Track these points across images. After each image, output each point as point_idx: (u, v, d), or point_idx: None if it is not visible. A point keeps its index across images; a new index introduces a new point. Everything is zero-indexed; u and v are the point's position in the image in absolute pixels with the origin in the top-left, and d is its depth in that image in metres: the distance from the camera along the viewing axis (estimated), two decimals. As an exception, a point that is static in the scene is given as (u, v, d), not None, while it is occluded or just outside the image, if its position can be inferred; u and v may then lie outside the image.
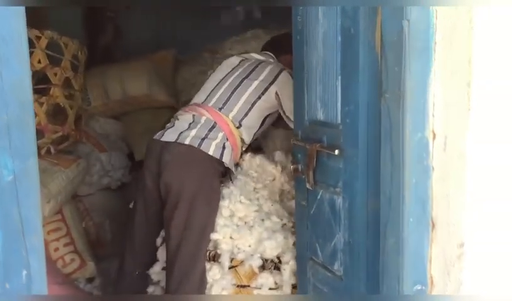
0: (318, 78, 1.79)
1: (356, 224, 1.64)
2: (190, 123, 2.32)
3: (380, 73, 1.49)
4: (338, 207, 1.72)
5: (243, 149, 2.44)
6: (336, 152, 1.66)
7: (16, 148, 0.94)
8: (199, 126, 2.30)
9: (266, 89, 2.39)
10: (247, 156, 2.48)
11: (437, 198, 1.44)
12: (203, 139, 2.25)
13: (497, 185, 1.42)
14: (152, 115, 3.97)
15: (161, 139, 2.30)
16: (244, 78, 2.42)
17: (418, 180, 1.42)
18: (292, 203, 2.28)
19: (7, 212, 0.95)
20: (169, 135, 2.29)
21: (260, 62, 2.52)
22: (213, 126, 2.30)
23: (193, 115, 2.35)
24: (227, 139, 2.30)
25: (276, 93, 2.39)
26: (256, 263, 2.17)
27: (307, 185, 1.85)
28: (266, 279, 2.18)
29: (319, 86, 1.79)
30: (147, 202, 2.37)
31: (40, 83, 3.20)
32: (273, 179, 2.43)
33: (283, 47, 2.60)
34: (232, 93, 2.38)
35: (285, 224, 2.27)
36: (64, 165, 3.24)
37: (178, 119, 2.39)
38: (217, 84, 2.45)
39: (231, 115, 2.34)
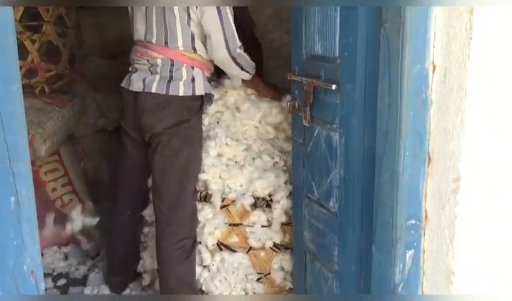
0: (316, 9, 1.73)
1: (352, 160, 1.63)
2: (149, 68, 2.20)
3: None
4: (334, 144, 1.70)
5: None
6: (333, 86, 1.62)
7: (-2, 73, 0.91)
8: (159, 69, 2.18)
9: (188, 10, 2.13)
10: (235, 92, 2.39)
11: (434, 132, 1.42)
12: (169, 82, 2.16)
13: (497, 119, 1.39)
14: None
15: (129, 88, 2.22)
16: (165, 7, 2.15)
17: (415, 113, 1.39)
18: (285, 142, 2.28)
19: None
20: (135, 84, 2.20)
21: None
22: (172, 65, 2.17)
23: (147, 60, 2.21)
24: (193, 68, 2.19)
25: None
26: (248, 201, 2.18)
27: (304, 122, 1.82)
28: (259, 217, 2.19)
29: (317, 18, 1.73)
30: (132, 148, 2.36)
31: (32, 19, 3.12)
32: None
33: None
34: (164, 24, 2.15)
35: (276, 162, 2.25)
36: (58, 105, 3.21)
37: (137, 64, 2.26)
38: (146, 16, 2.20)
39: (180, 45, 2.17)
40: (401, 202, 1.44)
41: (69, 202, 3.30)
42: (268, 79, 2.53)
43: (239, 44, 2.16)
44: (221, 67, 2.26)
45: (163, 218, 2.22)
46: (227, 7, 2.11)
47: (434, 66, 1.39)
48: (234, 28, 2.15)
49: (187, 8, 2.12)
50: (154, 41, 2.20)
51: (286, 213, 2.20)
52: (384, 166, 1.47)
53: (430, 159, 1.44)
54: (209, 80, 2.32)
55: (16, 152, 0.96)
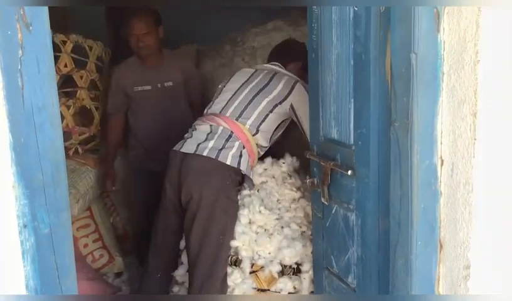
0: (332, 97, 1.85)
1: (368, 242, 1.72)
2: (208, 134, 2.41)
3: (390, 101, 1.55)
4: (351, 223, 1.80)
5: (261, 154, 2.53)
6: (349, 172, 1.73)
7: (50, 204, 1.05)
8: (216, 136, 2.39)
9: (281, 103, 2.48)
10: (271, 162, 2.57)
11: (444, 221, 1.51)
12: (220, 150, 2.35)
13: (503, 209, 1.48)
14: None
15: (181, 150, 2.40)
16: (259, 90, 2.51)
17: (426, 204, 1.49)
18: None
19: (44, 260, 1.06)
20: (188, 146, 2.40)
21: (275, 73, 2.58)
22: (230, 136, 2.40)
23: (210, 125, 2.44)
24: (243, 147, 2.40)
25: (291, 106, 2.48)
26: (276, 268, 2.28)
27: (322, 200, 1.93)
28: (285, 284, 2.29)
29: (333, 105, 1.86)
30: (169, 210, 2.49)
31: (66, 85, 3.32)
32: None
33: (291, 55, 2.70)
34: (248, 104, 2.47)
35: (304, 231, 2.36)
36: (91, 164, 3.38)
37: (196, 129, 2.49)
38: (233, 95, 2.53)
39: (248, 124, 2.43)
40: (415, 287, 1.53)
41: (99, 257, 3.44)
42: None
43: None
44: None
45: (197, 284, 2.32)
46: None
47: (442, 161, 1.49)
48: None
49: (278, 104, 2.47)
50: (227, 114, 2.46)
51: (313, 282, 2.30)
52: (398, 253, 1.56)
53: (441, 246, 1.53)
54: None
55: (65, 271, 1.09)
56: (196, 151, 2.35)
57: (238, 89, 2.55)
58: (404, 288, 1.55)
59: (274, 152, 2.63)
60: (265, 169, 2.55)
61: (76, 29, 3.54)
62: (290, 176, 2.55)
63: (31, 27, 1.03)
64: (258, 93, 2.49)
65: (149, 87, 3.17)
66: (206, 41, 4.42)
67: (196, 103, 3.28)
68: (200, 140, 2.39)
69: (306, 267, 2.27)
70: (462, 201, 1.47)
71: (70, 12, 4.04)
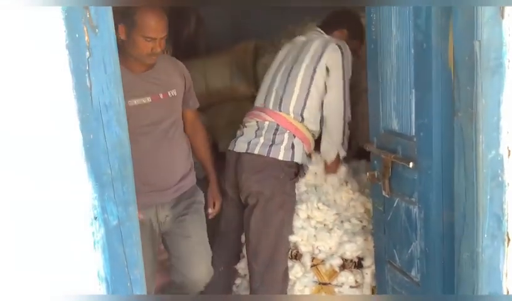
0: (392, 88, 1.82)
1: (432, 234, 1.69)
2: (256, 131, 2.41)
3: (453, 90, 1.50)
4: (414, 217, 1.77)
5: (315, 136, 2.47)
6: (411, 164, 1.70)
7: (119, 198, 1.11)
8: (264, 132, 2.38)
9: (315, 69, 2.37)
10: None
11: (512, 213, 1.46)
12: (271, 146, 2.34)
13: None
14: (234, 106, 4.11)
15: (234, 149, 2.42)
16: (292, 67, 2.43)
17: (492, 196, 1.44)
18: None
19: (114, 250, 1.12)
20: (240, 145, 2.40)
21: (305, 43, 2.49)
22: (277, 129, 2.37)
23: (257, 122, 2.43)
24: (294, 136, 2.36)
25: (326, 68, 2.37)
26: (337, 262, 2.28)
27: (383, 193, 1.91)
28: (347, 277, 2.28)
29: (393, 96, 1.82)
30: (230, 208, 2.51)
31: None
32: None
33: (340, 23, 2.60)
34: (285, 87, 2.41)
35: (365, 226, 2.34)
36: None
37: (246, 127, 2.48)
38: (271, 82, 2.49)
39: (291, 111, 2.38)
40: (481, 281, 1.49)
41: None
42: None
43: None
44: (326, 135, 2.44)
45: (257, 278, 2.36)
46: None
47: (509, 151, 1.43)
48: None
49: (314, 72, 2.36)
50: (270, 106, 2.44)
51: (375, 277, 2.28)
52: (463, 246, 1.52)
53: (509, 239, 1.48)
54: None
55: (133, 261, 1.15)
56: (247, 149, 2.36)
57: (274, 73, 2.50)
58: (470, 282, 1.51)
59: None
60: (316, 173, 2.52)
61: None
62: (346, 183, 2.50)
63: (97, 30, 1.09)
64: (291, 70, 2.42)
65: (149, 99, 2.18)
66: (264, 36, 4.43)
67: (193, 115, 2.47)
68: (250, 138, 2.40)
69: (368, 262, 2.25)
70: (532, 192, 1.41)
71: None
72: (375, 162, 1.98)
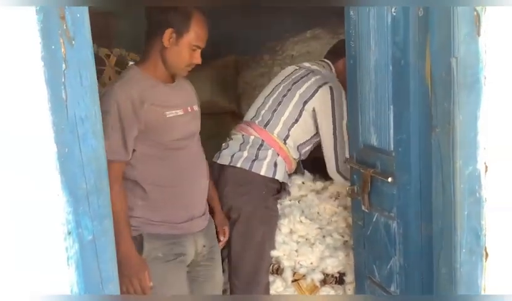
0: (371, 103, 1.84)
1: (411, 250, 1.69)
2: (241, 144, 2.40)
3: (431, 106, 1.52)
4: (393, 231, 1.77)
5: (294, 164, 2.48)
6: (389, 179, 1.70)
7: (94, 212, 1.09)
8: (248, 146, 2.38)
9: (302, 111, 2.38)
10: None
11: (490, 228, 1.47)
12: (254, 160, 2.33)
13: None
14: (214, 120, 4.11)
15: (218, 161, 2.40)
16: (284, 96, 2.43)
17: (470, 211, 1.45)
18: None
19: (88, 266, 1.09)
20: (224, 157, 2.39)
21: (308, 72, 2.48)
22: (261, 145, 2.37)
23: (242, 135, 2.43)
24: (278, 154, 2.37)
25: (313, 109, 2.37)
26: (318, 277, 2.27)
27: (363, 207, 1.91)
28: (328, 293, 2.27)
29: (371, 111, 1.84)
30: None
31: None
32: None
33: (341, 52, 2.49)
34: (274, 112, 2.41)
35: (346, 241, 2.34)
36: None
37: (232, 139, 2.48)
38: (262, 103, 2.50)
39: (275, 132, 2.39)
40: (460, 298, 1.49)
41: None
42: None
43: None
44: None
45: (238, 293, 2.33)
46: (343, 124, 2.31)
47: (486, 167, 1.44)
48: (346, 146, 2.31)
49: (302, 109, 2.37)
50: (257, 122, 2.44)
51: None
52: (441, 261, 1.52)
53: (487, 255, 1.48)
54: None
55: (107, 276, 1.12)
56: (230, 162, 2.36)
57: (270, 93, 2.51)
58: (449, 299, 1.51)
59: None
60: (303, 183, 2.53)
61: (119, 42, 3.64)
62: (338, 194, 2.50)
63: (73, 42, 1.07)
64: (285, 96, 2.43)
65: (180, 111, 2.00)
66: (245, 51, 4.44)
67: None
68: (234, 151, 2.39)
69: (350, 277, 2.24)
70: (509, 207, 1.42)
71: (113, 26, 4.16)
72: (355, 176, 1.99)
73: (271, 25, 4.49)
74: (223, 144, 2.51)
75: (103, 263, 1.12)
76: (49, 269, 1.08)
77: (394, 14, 1.64)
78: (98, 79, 1.19)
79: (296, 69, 2.57)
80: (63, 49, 1.06)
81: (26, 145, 1.06)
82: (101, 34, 3.43)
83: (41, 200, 1.07)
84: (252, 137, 2.40)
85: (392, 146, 1.72)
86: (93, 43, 1.18)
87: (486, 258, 1.49)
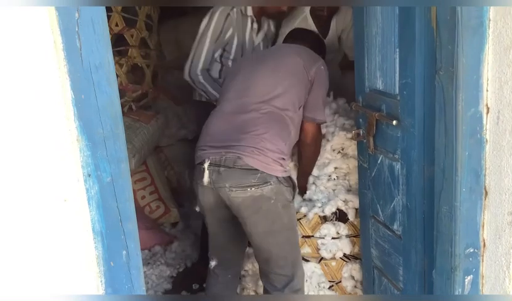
0: (377, 47, 1.86)
1: (413, 190, 1.75)
2: None
3: (436, 49, 1.54)
4: (397, 173, 1.83)
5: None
6: (394, 122, 1.75)
7: (111, 156, 1.15)
8: None
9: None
10: None
11: (489, 168, 1.52)
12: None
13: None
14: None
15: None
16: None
17: (471, 152, 1.50)
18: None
19: (107, 205, 1.17)
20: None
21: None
22: None
23: None
24: None
25: None
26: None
27: (368, 150, 1.96)
28: (329, 230, 2.36)
29: (378, 55, 1.86)
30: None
31: (118, 44, 3.43)
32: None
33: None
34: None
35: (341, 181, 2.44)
36: (145, 120, 3.51)
37: None
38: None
39: None
40: (459, 233, 1.56)
41: (156, 208, 3.62)
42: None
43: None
44: None
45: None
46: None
47: (488, 109, 1.48)
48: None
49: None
50: None
51: (353, 226, 2.37)
52: (442, 200, 1.59)
53: (486, 193, 1.55)
54: None
55: (126, 215, 1.20)
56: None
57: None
58: (448, 234, 1.58)
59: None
60: None
61: (125, -13, 3.61)
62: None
63: (85, -10, 1.10)
64: None
65: None
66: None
67: None
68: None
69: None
70: (508, 148, 1.47)
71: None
72: (360, 120, 2.03)
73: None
74: None
75: (121, 203, 1.19)
76: (72, 209, 1.16)
77: (401, -44, 1.63)
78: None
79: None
80: (75, -3, 1.09)
81: (43, 94, 1.12)
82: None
83: (61, 146, 1.14)
84: None
85: (397, 90, 1.76)
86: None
87: (485, 197, 1.56)
